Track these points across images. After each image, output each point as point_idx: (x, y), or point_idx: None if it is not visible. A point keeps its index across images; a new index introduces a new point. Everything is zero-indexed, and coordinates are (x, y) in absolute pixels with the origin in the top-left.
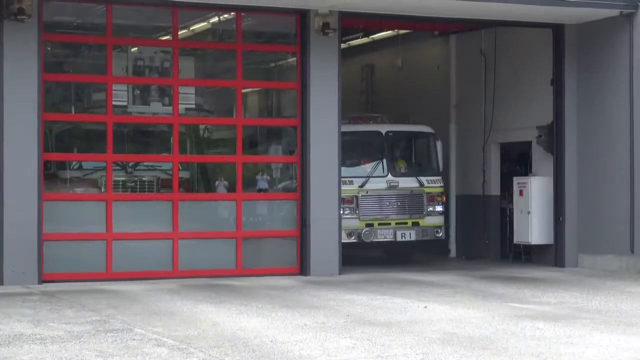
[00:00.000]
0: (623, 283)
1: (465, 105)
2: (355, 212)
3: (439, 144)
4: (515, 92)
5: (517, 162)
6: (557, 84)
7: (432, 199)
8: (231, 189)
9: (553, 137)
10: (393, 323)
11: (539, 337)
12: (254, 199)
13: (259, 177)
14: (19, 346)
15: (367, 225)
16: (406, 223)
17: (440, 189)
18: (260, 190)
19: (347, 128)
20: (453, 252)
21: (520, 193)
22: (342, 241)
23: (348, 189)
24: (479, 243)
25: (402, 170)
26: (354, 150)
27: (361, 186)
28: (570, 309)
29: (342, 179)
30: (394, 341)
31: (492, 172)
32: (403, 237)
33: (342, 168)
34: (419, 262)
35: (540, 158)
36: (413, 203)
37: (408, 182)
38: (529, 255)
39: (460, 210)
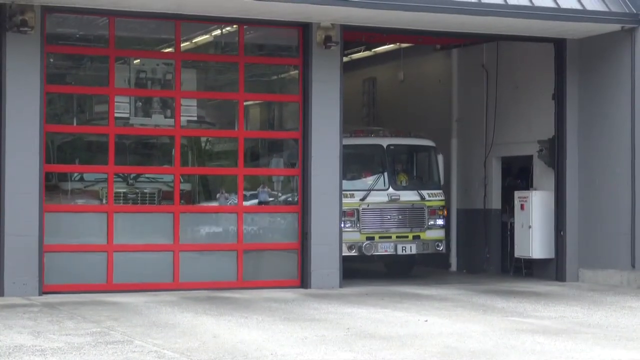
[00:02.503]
0: (624, 298)
1: (467, 119)
2: (356, 225)
3: (440, 158)
4: (517, 107)
5: (518, 176)
6: (559, 98)
7: (433, 212)
8: (232, 201)
9: (554, 151)
10: (393, 337)
11: (539, 352)
12: (255, 212)
13: (260, 189)
14: (19, 358)
15: (368, 238)
16: (407, 236)
17: (442, 203)
18: (261, 203)
19: (348, 141)
20: (454, 266)
21: (522, 207)
22: (343, 254)
23: (349, 202)
24: (479, 257)
25: (404, 184)
26: (355, 163)
27: (362, 199)
28: (571, 323)
29: (344, 192)
30: (395, 355)
31: (493, 186)
32: (404, 251)
33: (344, 181)
34: (420, 276)
35: (542, 172)
36: (414, 216)
37: (409, 196)
38: (530, 269)
39: (461, 224)
